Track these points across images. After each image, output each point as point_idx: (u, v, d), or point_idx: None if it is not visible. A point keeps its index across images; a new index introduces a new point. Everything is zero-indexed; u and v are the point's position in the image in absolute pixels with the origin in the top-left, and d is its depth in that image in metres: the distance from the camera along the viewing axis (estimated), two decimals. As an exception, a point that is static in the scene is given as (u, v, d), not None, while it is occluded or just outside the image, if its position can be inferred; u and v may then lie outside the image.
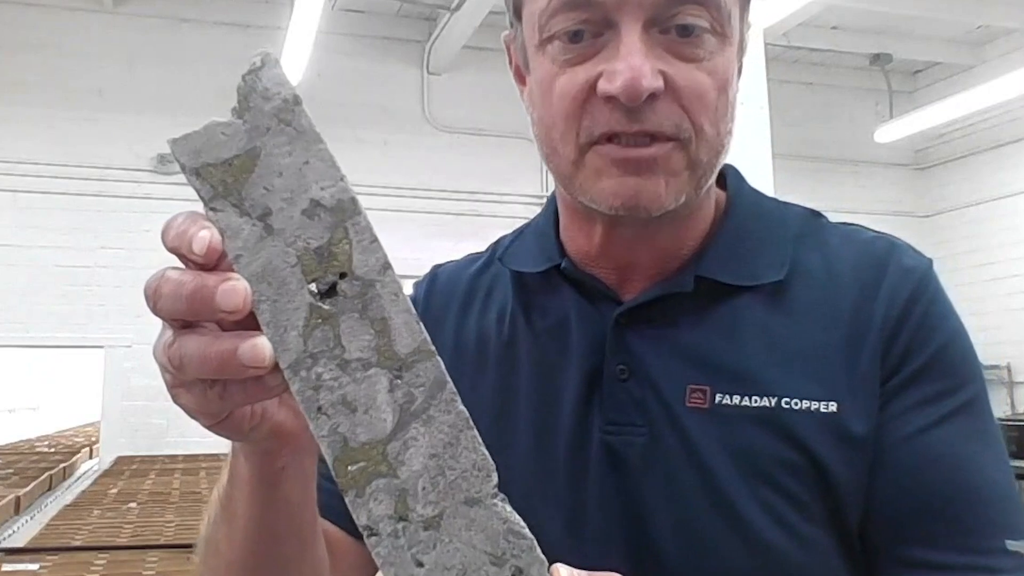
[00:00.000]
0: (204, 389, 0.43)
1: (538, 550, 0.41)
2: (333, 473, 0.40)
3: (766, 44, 2.97)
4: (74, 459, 5.25)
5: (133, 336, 6.00)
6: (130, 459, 5.10)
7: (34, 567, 2.13)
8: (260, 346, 0.40)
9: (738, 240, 0.64)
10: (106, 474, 4.41)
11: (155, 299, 0.42)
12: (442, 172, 6.72)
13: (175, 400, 0.45)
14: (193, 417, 0.46)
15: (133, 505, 3.24)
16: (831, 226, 0.69)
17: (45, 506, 3.76)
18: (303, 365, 0.40)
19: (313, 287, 0.41)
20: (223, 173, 0.42)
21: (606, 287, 0.65)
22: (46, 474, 4.26)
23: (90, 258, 5.98)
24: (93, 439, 6.38)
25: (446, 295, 0.74)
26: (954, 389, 0.60)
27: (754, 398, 0.59)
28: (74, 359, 9.89)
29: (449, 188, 6.70)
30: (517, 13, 0.64)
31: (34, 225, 5.90)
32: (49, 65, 6.07)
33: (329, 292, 0.41)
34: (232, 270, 0.41)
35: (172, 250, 0.43)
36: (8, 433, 7.63)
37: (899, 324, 0.61)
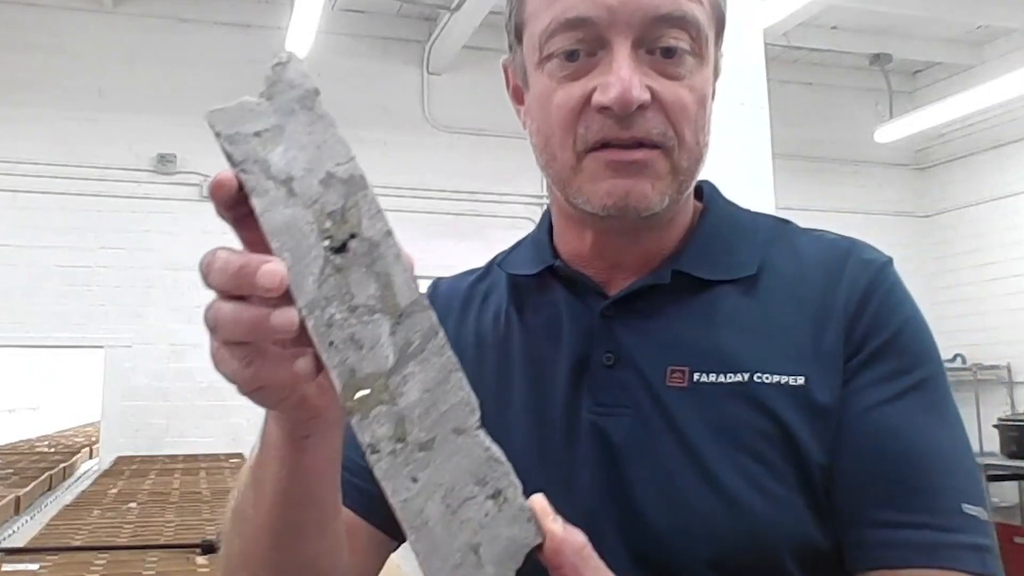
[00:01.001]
0: (240, 357, 0.49)
1: (513, 475, 0.48)
2: (340, 400, 0.47)
3: (766, 44, 2.97)
4: (74, 459, 5.25)
5: (133, 336, 6.00)
6: (130, 459, 5.10)
7: (34, 567, 2.13)
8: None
9: (712, 241, 0.71)
10: (106, 474, 4.41)
11: (207, 272, 0.48)
12: (442, 172, 6.72)
13: (216, 367, 0.50)
14: (232, 382, 0.50)
15: (133, 505, 3.24)
16: (799, 230, 0.76)
17: (45, 506, 3.76)
18: (318, 306, 0.47)
19: (328, 243, 0.48)
20: (254, 142, 0.48)
21: (594, 284, 0.71)
22: (46, 474, 4.26)
23: (90, 258, 5.98)
24: (93, 439, 6.38)
25: (446, 302, 0.81)
26: (909, 368, 0.65)
27: (728, 375, 0.65)
28: (74, 359, 9.89)
29: (449, 188, 6.70)
30: (518, 36, 0.71)
31: (34, 225, 5.90)
32: (49, 65, 6.07)
33: (341, 248, 0.48)
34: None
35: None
36: (8, 433, 7.63)
37: (860, 308, 0.67)
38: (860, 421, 0.63)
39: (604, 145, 0.64)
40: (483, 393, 0.69)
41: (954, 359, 7.34)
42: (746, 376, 0.65)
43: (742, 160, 2.75)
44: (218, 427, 6.01)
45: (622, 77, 0.62)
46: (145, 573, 2.10)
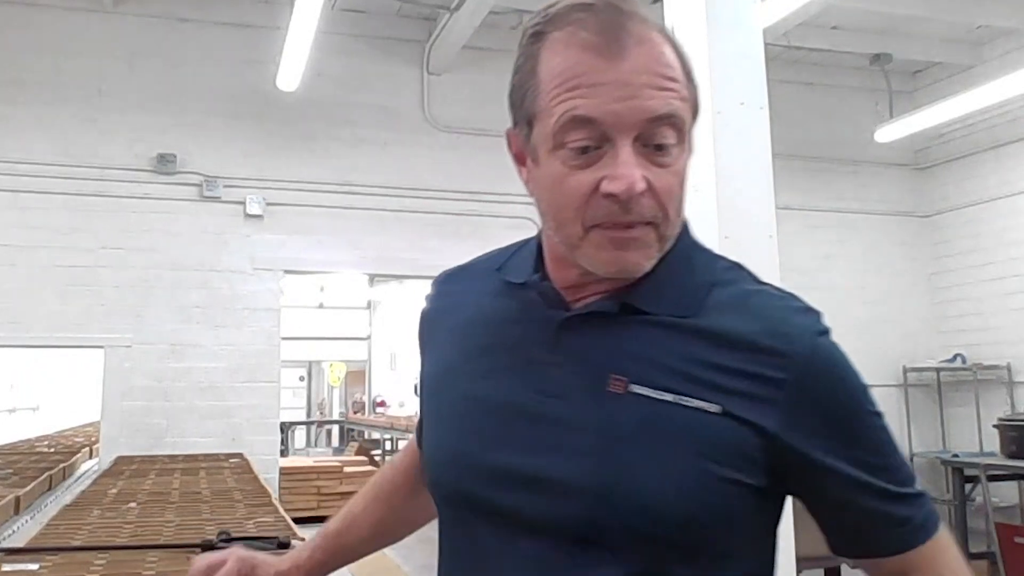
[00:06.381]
0: None
1: None
2: None
3: (766, 44, 2.97)
4: (74, 459, 5.25)
5: (133, 336, 6.00)
6: (130, 459, 5.09)
7: (34, 567, 2.13)
8: None
9: (663, 280, 0.86)
10: (106, 474, 4.41)
11: None
12: (442, 172, 6.72)
13: None
14: None
15: (133, 505, 3.24)
16: (744, 279, 0.89)
17: (45, 506, 3.76)
18: None
19: None
20: None
21: (561, 299, 0.88)
22: (46, 474, 4.26)
23: (90, 258, 5.98)
24: (93, 439, 6.38)
25: (465, 277, 1.02)
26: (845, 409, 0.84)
27: (660, 392, 0.81)
28: (74, 359, 9.89)
29: (449, 188, 6.70)
30: (528, 122, 0.84)
31: (34, 225, 5.91)
32: (49, 65, 6.08)
33: None
34: None
35: None
36: (8, 433, 7.63)
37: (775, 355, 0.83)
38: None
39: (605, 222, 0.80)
40: (464, 360, 0.93)
41: (954, 359, 7.34)
42: (670, 397, 0.80)
43: (742, 160, 2.75)
44: (218, 427, 6.02)
45: (627, 173, 0.77)
46: (145, 573, 2.09)
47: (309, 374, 16.77)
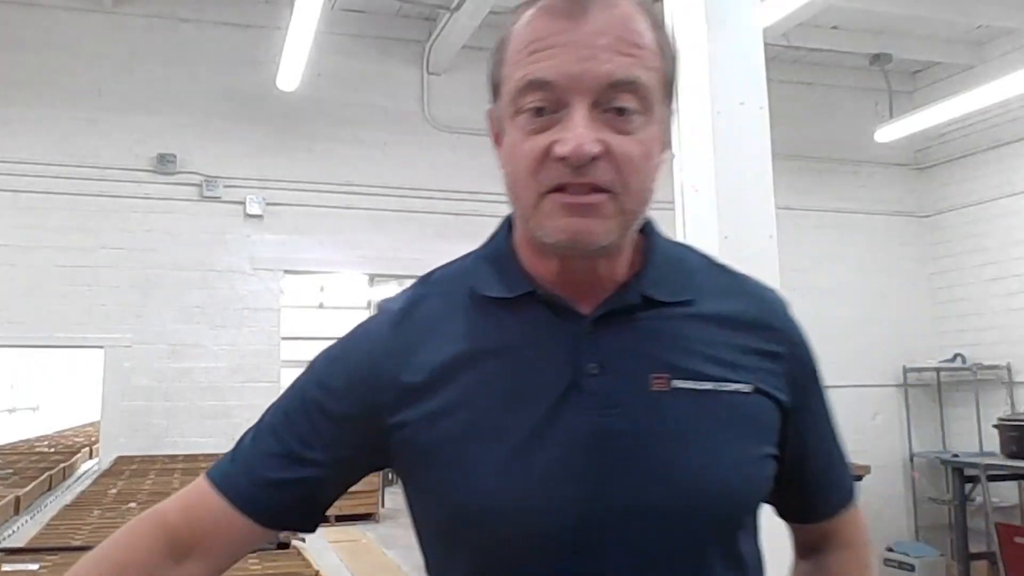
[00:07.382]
0: None
1: None
2: None
3: (766, 44, 2.97)
4: (74, 459, 5.25)
5: (133, 336, 6.00)
6: (130, 459, 5.10)
7: (34, 567, 2.13)
8: None
9: (661, 271, 0.85)
10: (106, 474, 4.41)
11: None
12: (442, 172, 6.72)
13: None
14: None
15: (133, 505, 3.24)
16: (701, 259, 0.91)
17: (45, 506, 3.76)
18: None
19: None
20: None
21: (571, 305, 0.82)
22: (46, 474, 4.26)
23: (90, 258, 5.98)
24: (93, 439, 6.38)
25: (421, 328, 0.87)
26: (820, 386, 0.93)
27: (701, 382, 0.81)
28: (74, 359, 9.89)
29: (449, 188, 6.70)
30: (496, 91, 0.85)
31: (34, 225, 5.90)
32: (49, 65, 6.07)
33: None
34: None
35: None
36: (8, 433, 7.63)
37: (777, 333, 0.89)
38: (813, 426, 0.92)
39: (561, 188, 0.76)
40: (476, 401, 0.81)
41: (954, 359, 7.34)
42: (711, 384, 0.81)
43: (742, 160, 2.75)
44: (218, 427, 6.01)
45: (577, 134, 0.74)
46: (145, 573, 2.09)
47: (309, 374, 16.76)
